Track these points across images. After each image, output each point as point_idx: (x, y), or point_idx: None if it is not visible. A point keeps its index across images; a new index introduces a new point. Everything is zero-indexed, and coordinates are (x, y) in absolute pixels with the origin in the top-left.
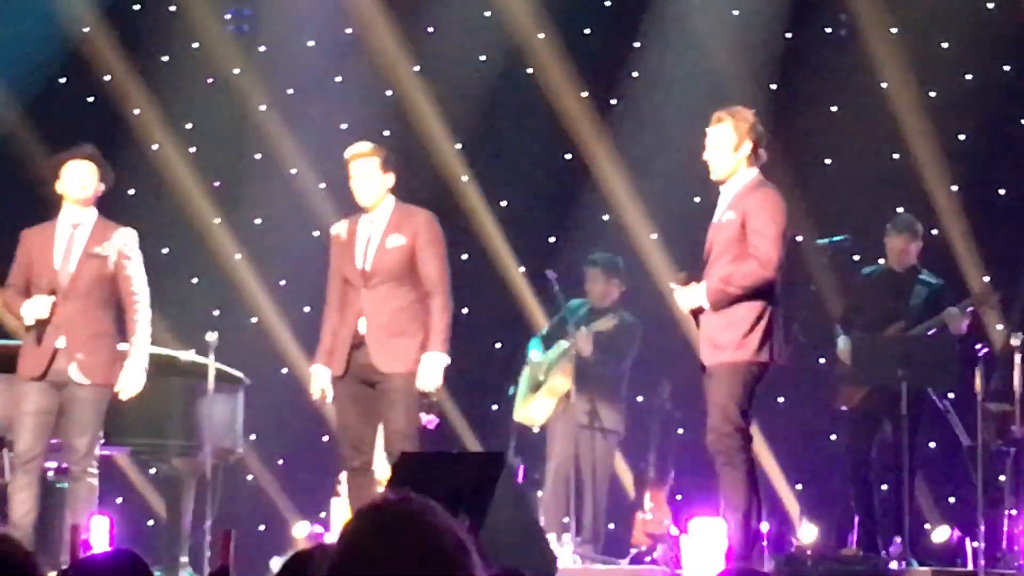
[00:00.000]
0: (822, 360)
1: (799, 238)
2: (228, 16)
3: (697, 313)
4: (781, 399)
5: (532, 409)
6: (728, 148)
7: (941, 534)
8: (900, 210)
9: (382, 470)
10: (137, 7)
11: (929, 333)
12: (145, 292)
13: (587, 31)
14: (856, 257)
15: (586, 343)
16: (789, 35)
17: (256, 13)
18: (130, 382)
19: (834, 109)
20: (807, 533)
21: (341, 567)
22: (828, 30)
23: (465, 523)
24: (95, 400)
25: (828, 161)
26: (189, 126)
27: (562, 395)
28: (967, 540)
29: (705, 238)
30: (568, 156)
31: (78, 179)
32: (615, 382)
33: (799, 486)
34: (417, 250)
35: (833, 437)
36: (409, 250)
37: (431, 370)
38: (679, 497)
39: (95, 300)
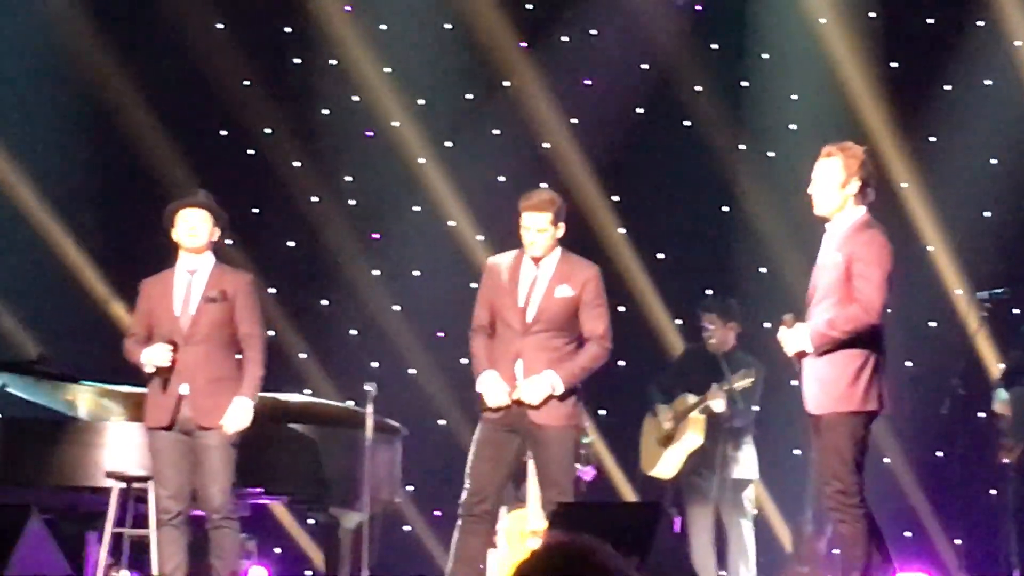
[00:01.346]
0: (982, 414)
1: (959, 291)
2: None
3: (801, 356)
4: (939, 453)
5: (662, 463)
6: (835, 184)
7: None
8: None
9: (536, 520)
10: (297, 60)
11: None
12: (261, 335)
13: (744, 83)
14: (1016, 311)
15: (721, 401)
16: (948, 87)
17: (415, 67)
18: (235, 417)
19: (994, 161)
20: None
21: None
22: (987, 82)
23: (635, 562)
24: (222, 445)
25: (987, 214)
26: (348, 179)
27: (695, 450)
28: None
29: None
30: (725, 208)
31: (189, 227)
32: (746, 430)
33: (958, 541)
34: (582, 305)
35: (993, 492)
36: (575, 302)
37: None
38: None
39: (215, 345)
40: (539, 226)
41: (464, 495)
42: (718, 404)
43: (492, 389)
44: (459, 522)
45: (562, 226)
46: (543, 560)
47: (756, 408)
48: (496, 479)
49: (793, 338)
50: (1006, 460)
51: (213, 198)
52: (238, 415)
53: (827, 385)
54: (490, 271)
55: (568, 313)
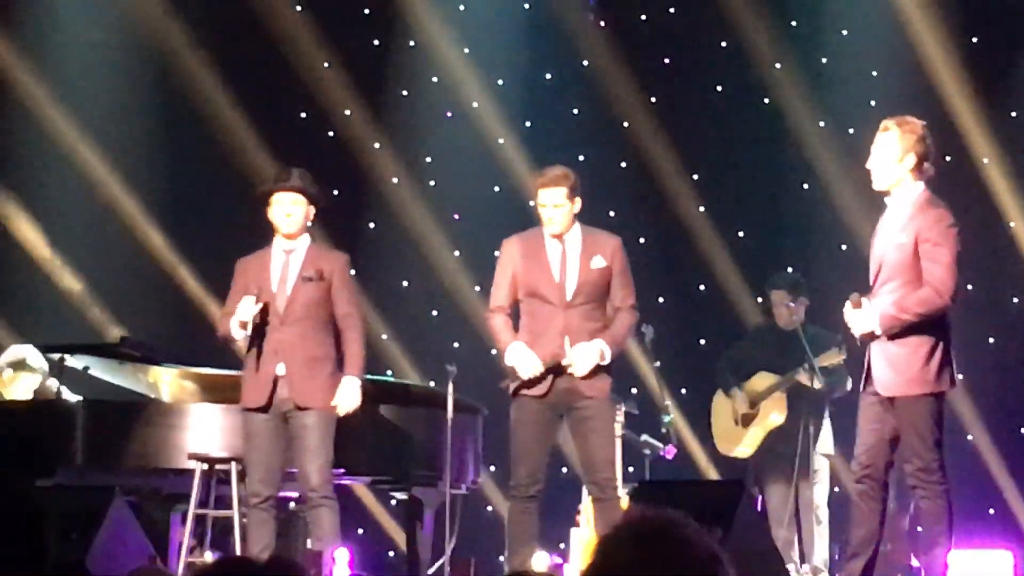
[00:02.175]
0: None
1: None
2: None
3: (869, 338)
4: (1023, 429)
5: (742, 443)
6: (892, 158)
7: None
8: None
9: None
10: (377, 42)
11: None
12: (359, 314)
13: (824, 60)
14: None
15: (816, 379)
16: None
17: (494, 47)
18: (346, 398)
19: None
20: None
21: None
22: None
23: (718, 535)
24: (321, 425)
25: None
26: (428, 160)
27: (774, 428)
28: None
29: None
30: (805, 186)
31: (284, 212)
32: (824, 405)
33: None
34: (614, 275)
35: None
36: (608, 272)
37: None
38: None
39: (311, 325)
40: (555, 201)
41: (516, 477)
42: (817, 381)
43: (525, 359)
44: (512, 504)
45: (579, 201)
46: (627, 533)
47: (850, 379)
48: (544, 459)
49: (861, 318)
50: None
51: (309, 176)
52: (348, 394)
53: (900, 367)
54: (511, 250)
55: (604, 283)
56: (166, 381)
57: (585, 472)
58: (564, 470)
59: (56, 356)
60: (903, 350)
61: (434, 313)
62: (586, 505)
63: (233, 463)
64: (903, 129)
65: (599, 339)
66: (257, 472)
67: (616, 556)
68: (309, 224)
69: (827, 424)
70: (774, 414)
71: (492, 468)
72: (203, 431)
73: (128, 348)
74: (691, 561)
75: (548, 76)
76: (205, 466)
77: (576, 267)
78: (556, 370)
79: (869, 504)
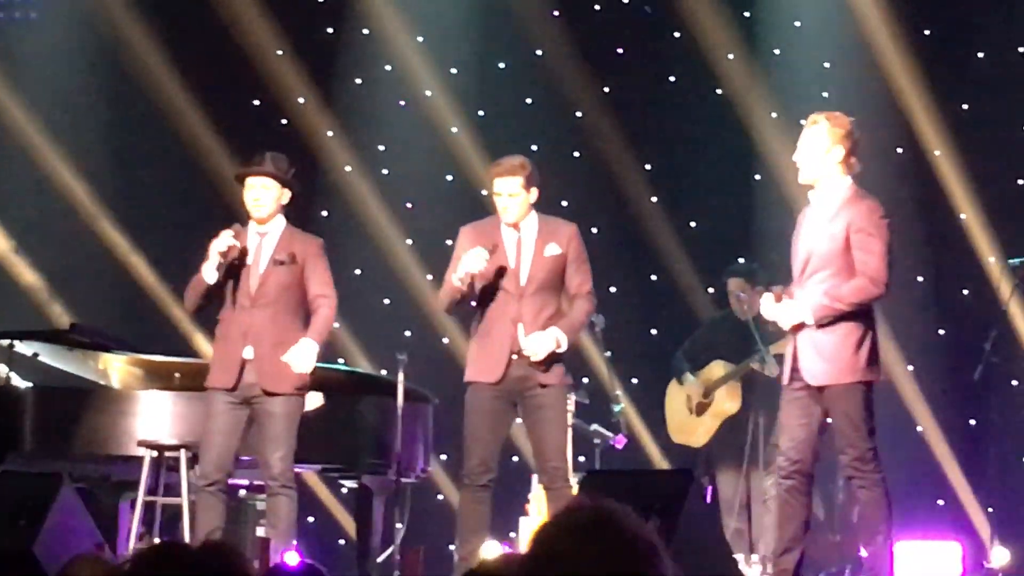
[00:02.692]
0: (1015, 382)
1: (991, 259)
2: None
3: (797, 330)
4: (972, 421)
5: (696, 432)
6: (820, 150)
7: None
8: None
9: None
10: (330, 30)
11: None
12: (332, 296)
13: (776, 51)
14: None
15: (767, 367)
16: (981, 55)
17: (448, 36)
18: (299, 357)
19: None
20: (999, 556)
21: (535, 567)
22: (1021, 49)
23: (656, 524)
24: (287, 413)
25: (1021, 182)
26: (381, 148)
27: (728, 417)
28: None
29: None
30: (757, 176)
31: (252, 197)
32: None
33: (990, 508)
34: (568, 262)
35: None
36: (563, 259)
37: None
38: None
39: (282, 308)
40: (510, 190)
41: (468, 466)
42: (770, 369)
43: (467, 259)
44: (464, 493)
45: (535, 191)
46: (564, 523)
47: None
48: (497, 449)
49: (787, 311)
50: None
51: (284, 160)
52: (303, 355)
53: (831, 356)
54: (467, 237)
55: (559, 271)
56: (116, 368)
57: (537, 460)
58: (515, 459)
59: (5, 342)
60: (833, 339)
61: (386, 302)
62: (536, 494)
63: (183, 450)
64: (832, 123)
65: (555, 327)
66: (210, 454)
67: (552, 546)
68: (283, 207)
69: (780, 415)
70: (728, 402)
71: (443, 457)
72: (153, 418)
73: (78, 335)
74: (628, 550)
75: (502, 65)
76: (155, 453)
77: (531, 254)
78: (494, 251)
79: (799, 499)
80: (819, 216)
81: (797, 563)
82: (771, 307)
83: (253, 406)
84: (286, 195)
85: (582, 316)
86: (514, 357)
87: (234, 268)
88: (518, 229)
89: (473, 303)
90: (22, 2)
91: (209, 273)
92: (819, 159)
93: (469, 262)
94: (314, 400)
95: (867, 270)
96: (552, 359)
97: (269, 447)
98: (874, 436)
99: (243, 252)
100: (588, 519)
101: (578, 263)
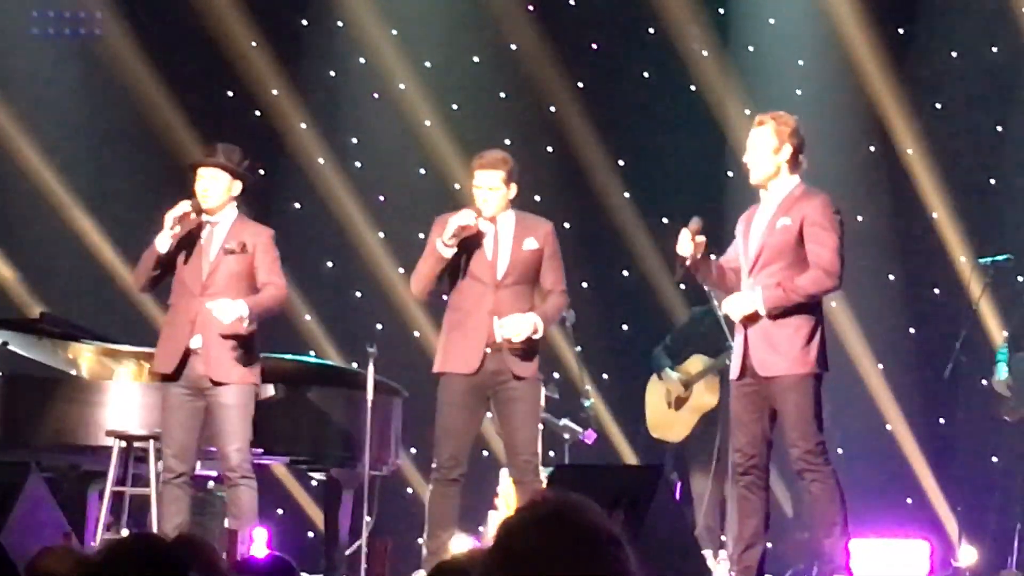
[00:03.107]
0: (984, 381)
1: (962, 258)
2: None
3: (748, 320)
4: (941, 420)
5: (674, 426)
6: (769, 149)
7: None
8: None
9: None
10: (304, 22)
11: None
12: (280, 283)
13: (750, 48)
14: (1021, 278)
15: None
16: (954, 54)
17: (422, 29)
18: (223, 305)
19: (999, 129)
20: (967, 555)
21: (498, 560)
22: (995, 48)
23: (620, 518)
24: (239, 403)
25: (992, 181)
26: (354, 141)
27: (707, 411)
28: None
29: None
30: (730, 173)
31: (202, 188)
32: None
33: (959, 507)
34: (544, 257)
35: (995, 459)
36: (540, 255)
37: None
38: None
39: (232, 297)
40: (491, 184)
41: (439, 459)
42: None
43: (462, 213)
44: (433, 486)
45: (514, 187)
46: (527, 517)
47: None
48: (468, 442)
49: (740, 302)
50: (1007, 418)
51: (236, 151)
52: (227, 306)
53: (782, 348)
54: (442, 226)
55: (535, 265)
56: (85, 357)
57: (508, 453)
58: (484, 453)
59: None
60: (784, 331)
61: (357, 294)
62: (505, 487)
63: (151, 441)
64: (778, 122)
65: (533, 312)
66: (172, 447)
67: (515, 539)
68: (234, 198)
69: None
70: (707, 396)
71: (412, 450)
72: (122, 408)
73: (48, 324)
74: (590, 543)
75: (476, 59)
76: (123, 443)
77: (508, 247)
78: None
79: (758, 494)
80: (770, 213)
81: (760, 559)
82: (725, 300)
83: (207, 397)
84: (237, 186)
85: (556, 310)
86: (488, 351)
87: (186, 251)
88: (495, 222)
89: (444, 296)
90: None
91: (162, 242)
92: (769, 158)
93: (460, 217)
94: (266, 391)
95: (821, 262)
96: (528, 350)
97: (224, 439)
98: (822, 430)
99: (199, 226)
100: (551, 512)
101: (553, 260)
